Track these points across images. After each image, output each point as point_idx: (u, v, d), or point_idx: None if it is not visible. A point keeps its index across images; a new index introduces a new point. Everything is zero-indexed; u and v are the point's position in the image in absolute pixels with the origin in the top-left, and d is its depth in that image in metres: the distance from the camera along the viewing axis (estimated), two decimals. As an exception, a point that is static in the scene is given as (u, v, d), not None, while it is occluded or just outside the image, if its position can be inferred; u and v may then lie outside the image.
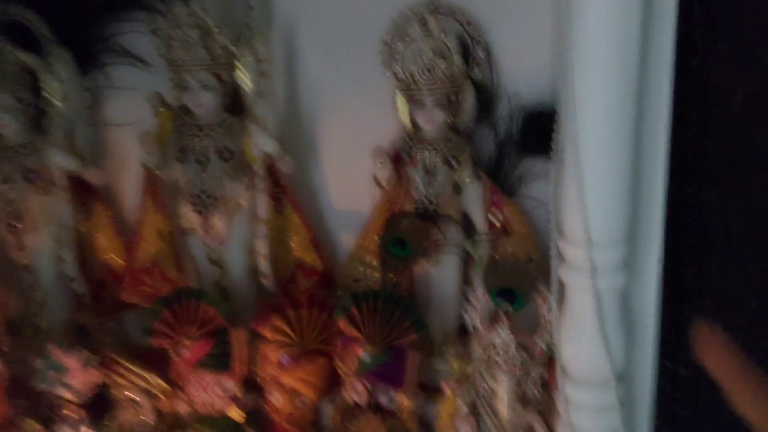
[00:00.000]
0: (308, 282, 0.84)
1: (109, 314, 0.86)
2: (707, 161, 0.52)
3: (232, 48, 0.72)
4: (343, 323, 0.71)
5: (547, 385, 0.68)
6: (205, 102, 0.73)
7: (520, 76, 0.76)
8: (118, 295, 0.84)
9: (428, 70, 0.71)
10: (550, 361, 0.67)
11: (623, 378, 0.49)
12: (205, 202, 0.76)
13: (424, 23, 0.72)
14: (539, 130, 0.73)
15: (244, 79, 0.73)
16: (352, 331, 0.71)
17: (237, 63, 0.73)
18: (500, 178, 0.79)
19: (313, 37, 0.80)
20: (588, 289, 0.46)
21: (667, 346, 0.53)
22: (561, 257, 0.49)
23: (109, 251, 0.87)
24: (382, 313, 0.70)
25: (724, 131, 0.53)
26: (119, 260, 0.87)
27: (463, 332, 0.82)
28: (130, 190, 0.87)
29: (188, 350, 0.73)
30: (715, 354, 0.32)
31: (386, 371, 0.70)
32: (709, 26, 0.50)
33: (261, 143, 0.74)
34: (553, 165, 0.47)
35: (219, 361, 0.73)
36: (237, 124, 0.76)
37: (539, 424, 0.66)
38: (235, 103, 0.77)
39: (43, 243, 0.82)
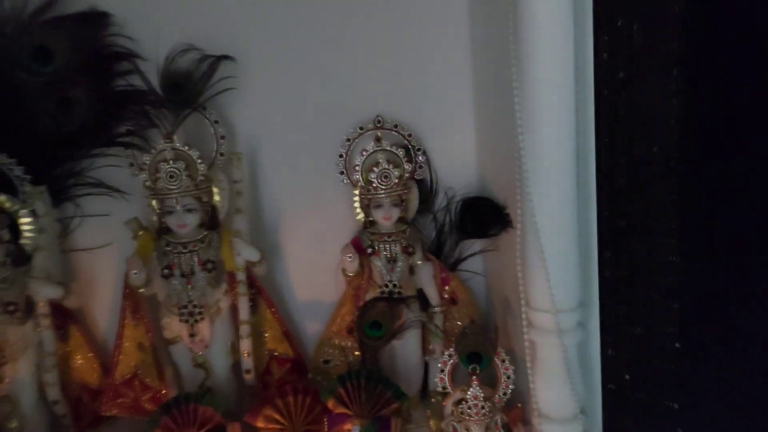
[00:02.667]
0: (281, 370, 0.93)
1: (88, 430, 0.89)
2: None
3: (210, 175, 0.82)
4: (332, 403, 0.81)
5: (507, 426, 0.82)
6: (189, 222, 0.82)
7: (452, 173, 0.93)
8: (96, 411, 0.88)
9: (385, 177, 0.85)
10: (506, 406, 0.81)
11: (584, 411, 0.64)
12: (191, 312, 0.84)
13: (377, 139, 0.87)
14: (473, 216, 0.89)
15: (222, 199, 0.84)
16: (341, 410, 0.81)
17: (215, 187, 0.83)
18: (442, 258, 0.94)
19: (272, 155, 0.92)
20: (557, 346, 0.61)
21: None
22: (530, 323, 0.64)
23: (86, 370, 0.90)
24: (366, 389, 0.81)
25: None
26: (96, 378, 0.90)
27: (424, 395, 0.95)
28: (100, 310, 0.92)
29: (191, 452, 0.78)
30: None
31: (378, 441, 0.80)
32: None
33: (245, 254, 0.84)
34: (518, 251, 0.62)
35: (221, 459, 0.79)
36: (215, 237, 0.85)
37: (510, 459, 0.80)
38: (210, 220, 0.85)
39: (24, 371, 0.84)
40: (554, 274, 0.59)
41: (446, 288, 0.90)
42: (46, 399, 0.86)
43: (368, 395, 0.81)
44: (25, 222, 0.83)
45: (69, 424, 0.88)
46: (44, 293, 0.82)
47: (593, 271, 0.65)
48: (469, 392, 0.78)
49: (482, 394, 0.78)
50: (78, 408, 0.90)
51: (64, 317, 0.88)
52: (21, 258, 0.83)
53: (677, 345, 1.04)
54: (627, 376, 0.68)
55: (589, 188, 0.64)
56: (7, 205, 0.82)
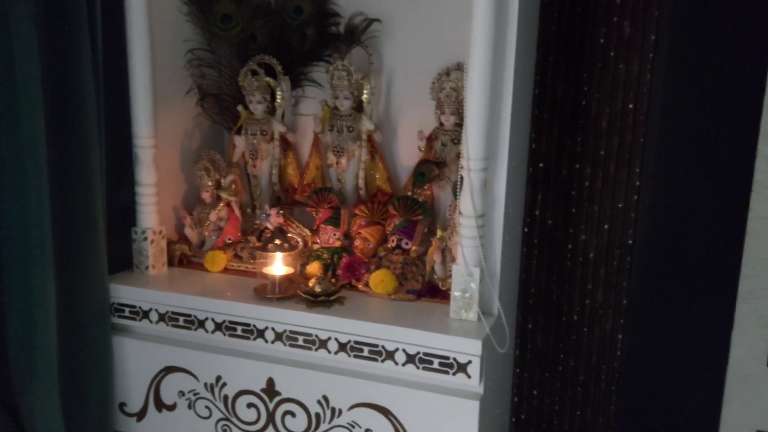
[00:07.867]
0: (383, 199, 1.68)
1: (290, 205, 1.76)
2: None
3: (361, 81, 1.60)
4: (391, 208, 1.54)
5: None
6: (345, 104, 1.61)
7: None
8: (294, 196, 1.74)
9: (448, 97, 1.52)
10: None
11: (483, 216, 1.27)
12: (339, 151, 1.64)
13: (447, 73, 1.54)
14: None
15: (364, 94, 1.61)
16: (394, 212, 1.53)
17: (363, 88, 1.60)
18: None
19: (400, 76, 1.65)
20: (469, 179, 1.25)
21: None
22: (463, 167, 1.28)
23: (293, 175, 1.77)
24: (408, 205, 1.52)
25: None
26: (296, 181, 1.77)
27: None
28: (304, 145, 1.78)
29: (321, 214, 1.59)
30: None
31: (406, 230, 1.51)
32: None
33: (366, 124, 1.60)
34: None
35: (334, 221, 1.59)
36: (356, 114, 1.63)
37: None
38: (357, 104, 1.63)
39: (265, 166, 1.74)
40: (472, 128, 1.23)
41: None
42: (272, 182, 1.75)
43: (407, 208, 1.52)
44: (278, 93, 1.71)
45: (282, 197, 1.76)
46: (277, 128, 1.70)
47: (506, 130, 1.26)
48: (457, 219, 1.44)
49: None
50: (286, 193, 1.77)
51: (287, 144, 1.76)
52: (273, 110, 1.72)
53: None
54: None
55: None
56: (272, 83, 1.71)
